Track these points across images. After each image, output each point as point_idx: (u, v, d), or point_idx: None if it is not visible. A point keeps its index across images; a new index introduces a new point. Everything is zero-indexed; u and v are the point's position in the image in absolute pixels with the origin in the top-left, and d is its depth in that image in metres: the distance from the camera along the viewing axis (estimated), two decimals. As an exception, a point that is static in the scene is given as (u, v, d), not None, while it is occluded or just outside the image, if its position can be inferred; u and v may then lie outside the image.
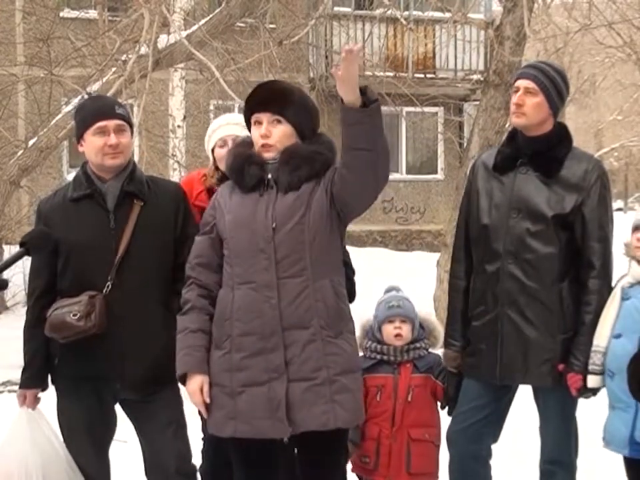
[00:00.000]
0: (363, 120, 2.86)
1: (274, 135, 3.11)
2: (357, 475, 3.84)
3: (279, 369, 3.03)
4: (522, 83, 3.51)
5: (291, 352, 3.03)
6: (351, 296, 4.01)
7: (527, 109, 3.48)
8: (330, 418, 3.02)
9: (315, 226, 3.08)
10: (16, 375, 3.98)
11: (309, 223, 3.08)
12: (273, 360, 3.03)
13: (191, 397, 3.13)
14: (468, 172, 9.76)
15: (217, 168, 3.75)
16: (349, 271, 4.04)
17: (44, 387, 3.49)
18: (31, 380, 3.45)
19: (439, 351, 3.83)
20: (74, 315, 3.23)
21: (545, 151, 3.50)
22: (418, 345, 3.77)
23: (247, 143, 3.24)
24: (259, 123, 3.13)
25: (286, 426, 3.01)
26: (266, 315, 3.04)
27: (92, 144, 3.35)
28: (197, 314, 3.15)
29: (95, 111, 3.37)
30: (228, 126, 3.76)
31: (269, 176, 3.12)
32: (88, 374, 3.36)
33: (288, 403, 3.01)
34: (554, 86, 3.49)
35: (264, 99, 3.13)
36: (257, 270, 3.06)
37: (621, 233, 3.58)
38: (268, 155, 3.12)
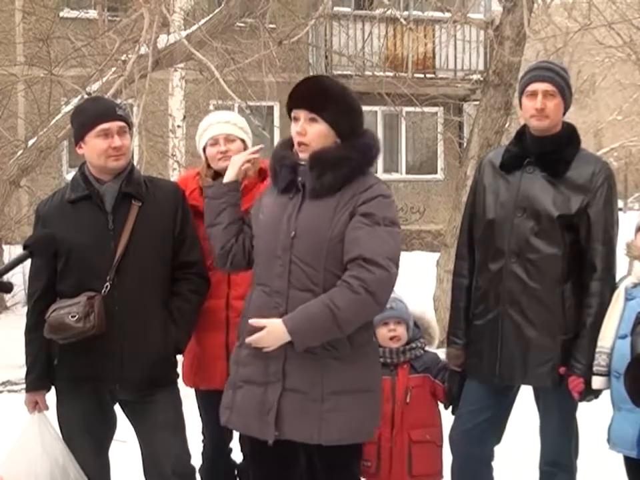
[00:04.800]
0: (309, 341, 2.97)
1: (309, 133, 3.01)
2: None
3: (277, 375, 3.01)
4: (540, 87, 3.45)
5: (291, 363, 3.00)
6: None
7: (549, 111, 3.45)
8: (314, 434, 2.99)
9: (332, 244, 2.98)
10: (16, 374, 3.97)
11: (327, 239, 2.98)
12: (271, 365, 3.02)
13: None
14: (468, 170, 9.70)
15: (209, 166, 3.73)
16: None
17: (48, 388, 3.48)
18: (35, 383, 3.44)
19: (440, 350, 3.82)
20: (72, 317, 3.22)
21: (552, 151, 3.49)
22: (414, 345, 3.75)
23: (288, 141, 3.15)
24: (297, 119, 3.04)
25: (272, 430, 3.01)
26: None
27: (95, 146, 3.33)
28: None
29: (97, 113, 3.35)
30: (219, 124, 3.68)
31: (299, 179, 3.05)
32: (87, 375, 3.35)
33: (279, 409, 3.00)
34: (567, 86, 3.49)
35: (302, 96, 3.05)
36: (272, 275, 3.03)
37: (621, 233, 3.57)
38: (303, 155, 3.04)
